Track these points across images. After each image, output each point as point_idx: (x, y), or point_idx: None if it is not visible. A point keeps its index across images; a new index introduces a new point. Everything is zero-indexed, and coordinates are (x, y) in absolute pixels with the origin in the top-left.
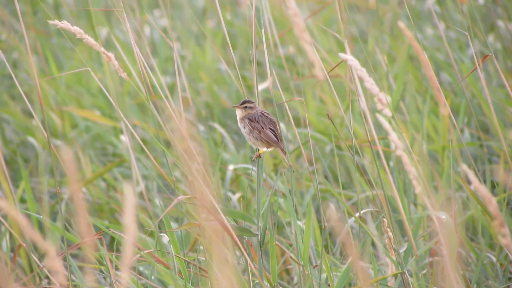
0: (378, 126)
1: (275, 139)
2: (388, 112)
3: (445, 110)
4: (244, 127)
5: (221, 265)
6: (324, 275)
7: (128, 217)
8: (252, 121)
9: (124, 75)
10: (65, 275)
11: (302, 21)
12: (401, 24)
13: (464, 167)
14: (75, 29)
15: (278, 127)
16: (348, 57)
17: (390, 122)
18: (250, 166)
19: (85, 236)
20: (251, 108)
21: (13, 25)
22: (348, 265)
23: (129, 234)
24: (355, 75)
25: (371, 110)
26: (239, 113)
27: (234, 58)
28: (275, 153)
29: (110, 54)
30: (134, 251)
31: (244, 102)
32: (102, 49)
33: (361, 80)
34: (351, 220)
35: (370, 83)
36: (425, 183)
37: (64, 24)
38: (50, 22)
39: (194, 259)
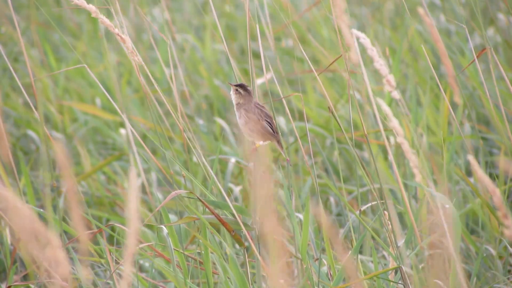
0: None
1: (271, 131)
2: (396, 94)
3: (458, 99)
4: (240, 117)
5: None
6: (323, 268)
7: (131, 209)
8: (248, 112)
9: (137, 58)
10: (68, 264)
11: (343, 2)
12: (421, 10)
13: (470, 157)
14: (90, 7)
15: (274, 120)
16: (361, 34)
17: (397, 104)
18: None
19: (80, 230)
20: (240, 94)
21: (11, 18)
22: (348, 259)
23: (132, 227)
24: (362, 67)
25: (371, 102)
26: (233, 98)
27: (234, 49)
28: (274, 147)
29: (124, 36)
30: (136, 244)
31: (238, 85)
32: (116, 31)
33: (371, 60)
34: (352, 215)
35: (379, 63)
36: (425, 174)
37: (80, 2)
38: None
39: (193, 253)
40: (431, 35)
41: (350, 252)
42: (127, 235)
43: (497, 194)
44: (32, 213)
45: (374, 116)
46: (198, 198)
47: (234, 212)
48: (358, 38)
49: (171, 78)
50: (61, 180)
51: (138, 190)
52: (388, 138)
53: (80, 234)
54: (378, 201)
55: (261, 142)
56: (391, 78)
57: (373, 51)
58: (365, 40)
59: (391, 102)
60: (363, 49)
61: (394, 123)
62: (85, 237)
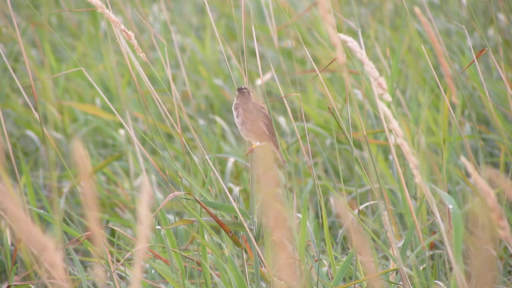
0: (377, 119)
1: (267, 132)
2: (388, 97)
3: (455, 99)
4: (237, 116)
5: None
6: (324, 269)
7: (143, 211)
8: (246, 112)
9: (143, 55)
10: (64, 268)
11: (328, 2)
12: (417, 10)
13: (463, 159)
14: (96, 2)
15: (271, 122)
16: (348, 38)
17: (389, 107)
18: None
19: (95, 232)
20: (236, 96)
21: (11, 18)
22: (348, 258)
23: (143, 228)
24: (367, 68)
25: (372, 101)
26: (235, 99)
27: (234, 49)
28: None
29: (130, 33)
30: (145, 247)
31: (238, 88)
32: (122, 27)
33: (361, 63)
34: (350, 215)
35: (370, 66)
36: (424, 175)
37: None
38: None
39: (191, 254)
40: (429, 35)
41: (349, 252)
42: (138, 236)
43: (491, 195)
44: (27, 216)
45: (376, 116)
46: (196, 199)
47: (238, 212)
48: (345, 42)
49: (171, 78)
50: (63, 181)
51: (150, 191)
52: (389, 138)
53: (84, 234)
54: (378, 201)
55: (257, 143)
56: (382, 80)
57: (362, 55)
58: (353, 44)
59: (389, 103)
60: (368, 48)
61: (394, 124)
62: (100, 239)
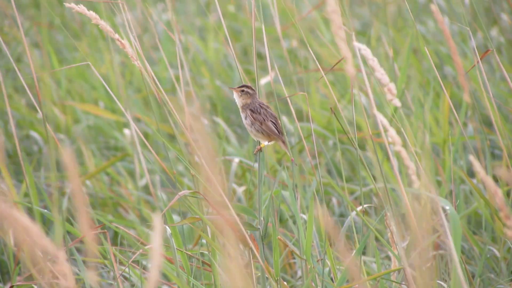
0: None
1: (277, 131)
2: (397, 102)
3: (468, 97)
4: (246, 118)
5: (226, 260)
6: (327, 269)
7: (155, 246)
8: (254, 112)
9: (137, 63)
10: (73, 276)
11: (339, 18)
12: (434, 7)
13: (471, 158)
14: (91, 14)
15: (279, 120)
16: (361, 46)
17: (393, 116)
18: (251, 161)
19: (86, 231)
20: (248, 94)
21: (15, 18)
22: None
23: (155, 260)
24: (362, 67)
25: (375, 103)
26: (237, 100)
27: (236, 50)
28: (277, 147)
29: (124, 41)
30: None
31: (242, 86)
32: (117, 36)
33: (372, 70)
34: (353, 214)
35: (381, 73)
36: (428, 177)
37: (80, 8)
38: (66, 4)
39: (196, 253)
40: (443, 33)
41: (353, 252)
42: (150, 266)
43: (499, 194)
44: (39, 229)
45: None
46: (204, 197)
47: (233, 211)
48: (359, 50)
49: (176, 78)
50: (65, 181)
51: (163, 223)
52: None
53: (86, 235)
54: (383, 199)
55: (266, 142)
56: (392, 86)
57: (374, 61)
58: (366, 51)
59: (396, 108)
60: (372, 48)
61: (391, 132)
62: (91, 238)
